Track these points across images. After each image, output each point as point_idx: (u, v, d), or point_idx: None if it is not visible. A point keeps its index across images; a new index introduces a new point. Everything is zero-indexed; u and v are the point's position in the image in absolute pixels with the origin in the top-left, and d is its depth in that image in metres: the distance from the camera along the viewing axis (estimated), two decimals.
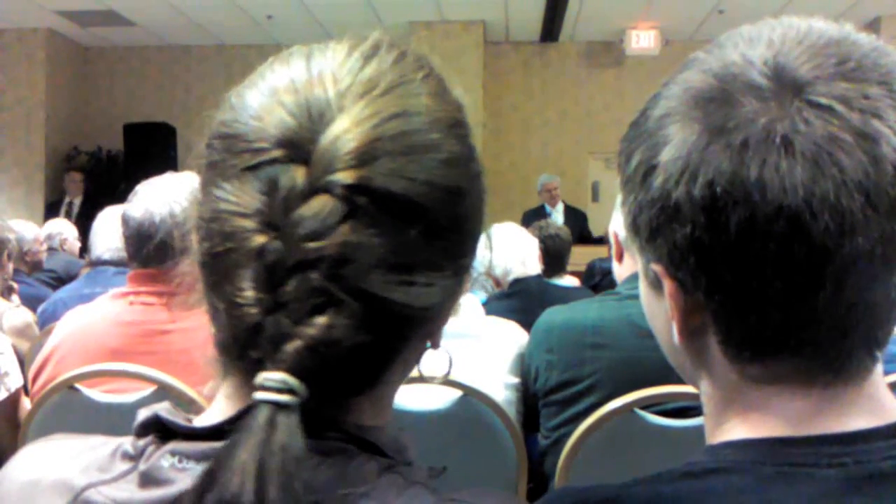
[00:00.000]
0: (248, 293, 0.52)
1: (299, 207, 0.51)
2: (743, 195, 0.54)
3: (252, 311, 0.52)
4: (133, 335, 1.73)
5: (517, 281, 3.00)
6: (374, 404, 0.59)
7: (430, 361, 0.67)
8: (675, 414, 1.55)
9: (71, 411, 1.67)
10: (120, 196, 2.07)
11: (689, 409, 1.52)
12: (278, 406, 0.49)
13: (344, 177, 0.52)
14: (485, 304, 2.71)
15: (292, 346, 0.50)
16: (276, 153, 0.53)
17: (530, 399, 1.82)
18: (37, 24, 8.99)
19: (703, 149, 0.55)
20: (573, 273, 4.07)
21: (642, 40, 9.06)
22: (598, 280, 4.82)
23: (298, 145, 0.53)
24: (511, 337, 1.84)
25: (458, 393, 1.65)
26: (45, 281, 4.16)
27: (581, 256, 5.32)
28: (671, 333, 0.63)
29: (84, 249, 4.03)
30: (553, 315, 1.82)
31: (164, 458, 0.54)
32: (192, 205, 0.59)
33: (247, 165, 0.54)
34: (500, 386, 1.76)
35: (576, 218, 7.20)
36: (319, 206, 0.51)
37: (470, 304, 2.02)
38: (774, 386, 0.59)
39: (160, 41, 9.63)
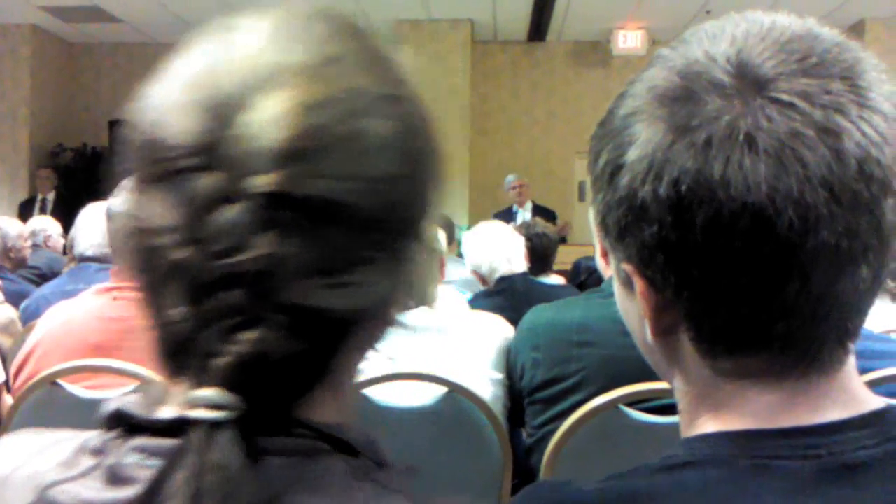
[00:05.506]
0: (174, 310, 0.50)
1: (213, 219, 0.48)
2: (708, 193, 0.54)
3: (179, 328, 0.50)
4: (116, 331, 1.72)
5: (503, 279, 3.01)
6: (336, 397, 0.57)
7: (387, 346, 0.64)
8: (660, 411, 1.56)
9: (53, 407, 1.66)
10: (105, 193, 2.05)
11: (674, 405, 1.52)
12: (213, 424, 0.47)
13: (256, 183, 0.48)
14: (470, 302, 2.72)
15: (221, 362, 0.48)
16: (187, 161, 0.49)
17: (516, 395, 1.83)
18: (21, 19, 8.92)
19: (667, 147, 0.56)
20: (558, 272, 4.07)
21: (629, 40, 9.09)
22: (583, 278, 4.83)
23: (207, 150, 0.49)
24: (496, 331, 1.84)
25: (443, 389, 1.65)
26: (28, 278, 4.13)
27: (566, 255, 5.33)
28: (645, 331, 0.63)
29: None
30: (538, 313, 1.82)
31: (129, 454, 0.52)
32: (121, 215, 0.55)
33: (157, 176, 0.50)
34: (485, 381, 1.77)
35: (545, 217, 7.12)
36: (232, 218, 0.48)
37: (455, 300, 2.02)
38: (748, 380, 0.59)
39: (146, 38, 9.57)
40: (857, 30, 8.67)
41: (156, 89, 0.53)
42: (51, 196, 8.45)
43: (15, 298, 3.18)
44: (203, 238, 0.48)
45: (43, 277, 4.18)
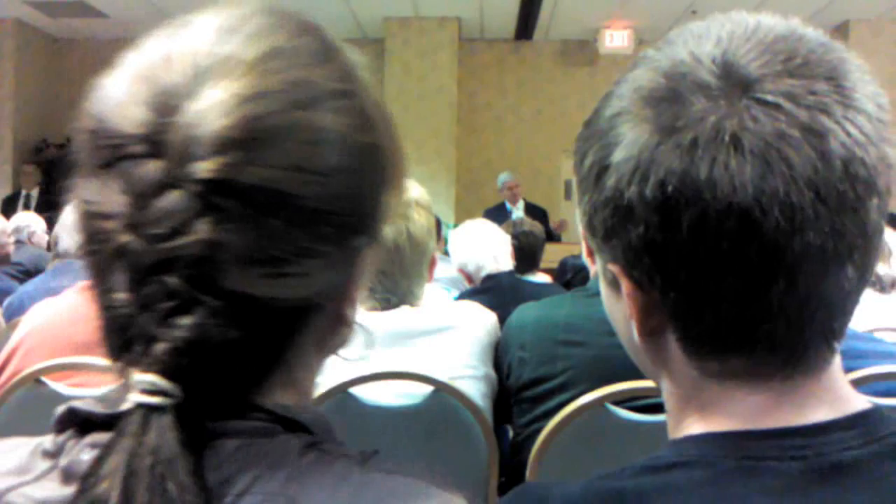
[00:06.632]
0: (115, 294, 0.51)
1: (154, 205, 0.50)
2: (694, 194, 0.54)
3: (120, 313, 0.51)
4: None
5: (489, 277, 3.01)
6: (290, 387, 0.58)
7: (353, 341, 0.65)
8: (647, 409, 1.56)
9: (37, 405, 1.64)
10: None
11: (661, 404, 1.53)
12: (151, 408, 0.49)
13: (196, 170, 0.49)
14: (457, 300, 2.72)
15: (159, 347, 0.49)
16: (132, 148, 0.51)
17: (503, 391, 1.83)
18: (4, 13, 8.84)
19: (653, 148, 0.56)
20: (545, 270, 4.08)
21: (616, 39, 9.11)
22: (570, 277, 4.84)
23: (152, 138, 0.51)
24: (480, 324, 1.82)
25: (429, 388, 1.65)
26: (11, 274, 4.10)
27: (553, 253, 5.34)
28: (631, 332, 0.63)
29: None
30: (525, 312, 1.82)
31: (83, 451, 0.53)
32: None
33: (105, 163, 0.52)
34: (471, 378, 1.76)
35: (535, 215, 7.09)
36: (172, 203, 0.49)
37: (439, 297, 2.01)
38: (734, 381, 0.60)
39: (132, 33, 9.33)
40: (841, 31, 8.72)
41: (109, 82, 0.55)
42: (34, 192, 8.39)
43: None
44: (145, 223, 0.50)
45: (27, 274, 4.14)
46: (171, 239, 0.49)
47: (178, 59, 0.53)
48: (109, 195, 0.51)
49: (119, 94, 0.53)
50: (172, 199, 0.49)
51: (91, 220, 0.52)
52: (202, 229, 0.49)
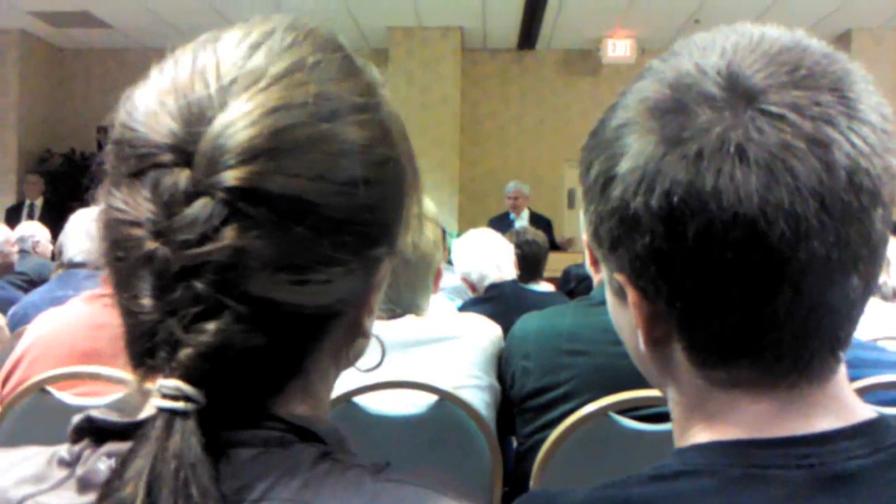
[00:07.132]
0: (141, 300, 0.52)
1: (182, 212, 0.51)
2: (699, 204, 0.54)
3: (145, 318, 0.52)
4: (106, 338, 1.70)
5: (493, 286, 3.01)
6: (307, 396, 0.59)
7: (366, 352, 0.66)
8: (651, 419, 1.56)
9: (42, 414, 1.65)
10: (93, 198, 2.03)
11: (665, 413, 1.52)
12: (175, 413, 0.49)
13: (223, 178, 0.51)
14: (460, 310, 2.72)
15: (184, 352, 0.50)
16: (161, 158, 0.52)
17: (507, 403, 1.82)
18: (9, 24, 8.88)
19: (659, 159, 0.56)
20: (548, 279, 4.08)
21: (618, 49, 9.14)
22: (573, 286, 4.84)
23: (180, 148, 0.52)
24: (485, 334, 1.82)
25: (433, 397, 1.65)
26: (16, 284, 4.11)
27: (556, 262, 5.34)
28: (637, 341, 0.64)
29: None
30: (529, 321, 1.82)
31: (100, 460, 0.53)
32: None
33: (133, 172, 0.53)
34: (475, 388, 1.76)
35: (540, 225, 7.04)
36: (199, 210, 0.51)
37: (443, 307, 2.01)
38: (740, 389, 0.60)
39: (136, 44, 9.54)
40: (843, 40, 8.74)
41: (137, 94, 0.56)
42: (38, 201, 8.42)
43: (2, 305, 3.16)
44: (173, 230, 0.51)
45: (31, 283, 4.15)
46: (198, 245, 0.50)
47: (206, 72, 0.55)
48: (138, 203, 0.52)
49: (148, 106, 0.55)
50: (200, 206, 0.51)
51: (118, 227, 0.53)
52: (229, 236, 0.50)
